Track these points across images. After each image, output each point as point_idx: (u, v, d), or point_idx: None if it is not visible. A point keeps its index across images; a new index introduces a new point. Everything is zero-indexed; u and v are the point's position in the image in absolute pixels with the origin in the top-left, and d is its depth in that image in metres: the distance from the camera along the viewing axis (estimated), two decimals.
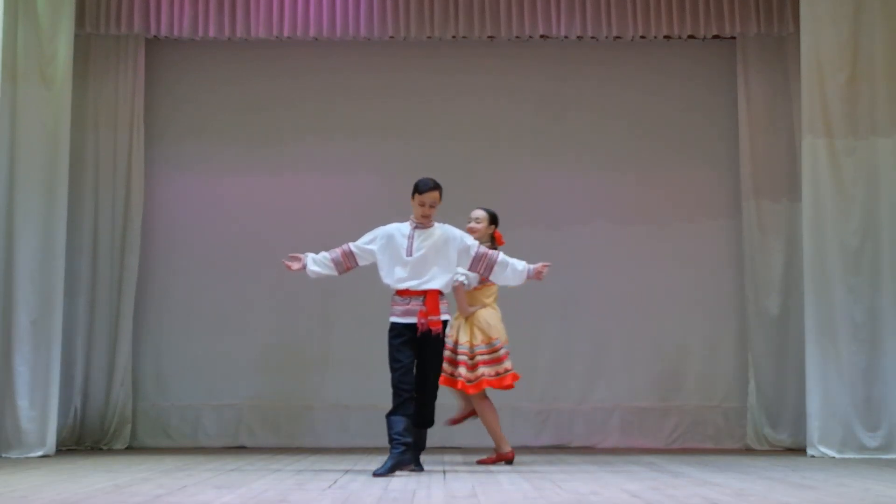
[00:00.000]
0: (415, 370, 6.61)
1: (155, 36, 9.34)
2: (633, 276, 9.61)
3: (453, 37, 9.35)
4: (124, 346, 9.21)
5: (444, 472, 6.76)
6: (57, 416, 8.32)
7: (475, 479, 6.21)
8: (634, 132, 9.72)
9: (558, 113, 9.73)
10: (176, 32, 9.21)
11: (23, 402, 8.16)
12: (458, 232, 6.79)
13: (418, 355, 6.60)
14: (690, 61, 9.81)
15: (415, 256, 6.63)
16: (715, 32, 9.33)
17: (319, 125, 9.69)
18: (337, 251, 6.80)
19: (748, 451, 9.13)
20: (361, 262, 6.83)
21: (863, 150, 8.44)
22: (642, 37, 9.32)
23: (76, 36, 8.75)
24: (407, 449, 6.49)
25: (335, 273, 6.85)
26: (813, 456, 8.22)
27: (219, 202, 9.68)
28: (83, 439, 9.12)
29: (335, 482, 5.96)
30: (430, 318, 6.52)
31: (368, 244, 6.77)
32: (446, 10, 9.24)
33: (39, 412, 8.18)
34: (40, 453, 8.07)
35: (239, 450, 9.05)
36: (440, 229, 6.74)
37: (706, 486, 5.81)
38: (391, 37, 9.29)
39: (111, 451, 8.91)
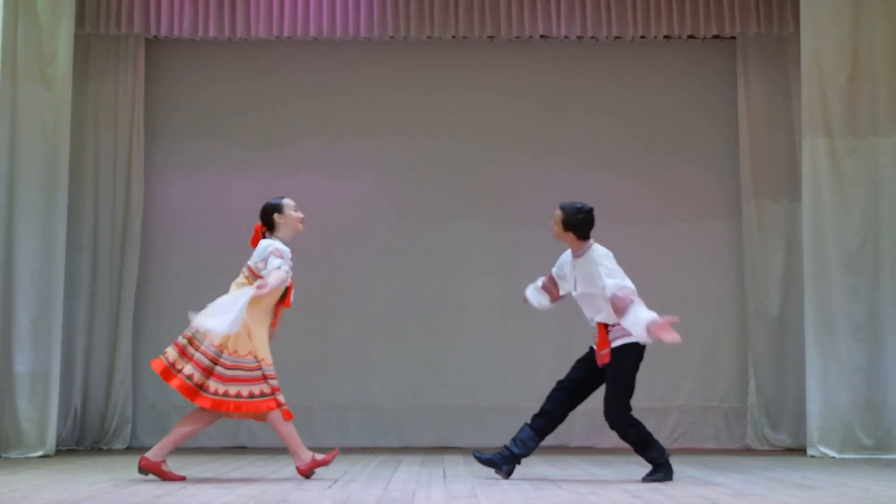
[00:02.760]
0: (574, 389, 6.26)
1: (155, 36, 9.33)
2: (633, 276, 9.48)
3: (453, 37, 9.35)
4: (124, 345, 9.21)
5: (445, 472, 6.75)
6: (57, 416, 8.33)
7: (475, 479, 6.21)
8: (634, 132, 9.71)
9: (558, 113, 9.73)
10: (176, 32, 9.20)
11: (23, 402, 8.17)
12: (594, 264, 6.26)
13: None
14: (690, 61, 9.80)
15: (578, 291, 6.32)
16: (715, 32, 9.32)
17: (319, 125, 9.68)
18: (540, 279, 6.63)
19: (748, 451, 9.13)
20: (563, 291, 6.54)
21: (863, 150, 8.44)
22: (642, 37, 9.32)
23: (76, 36, 8.75)
24: (511, 458, 6.19)
25: (547, 301, 6.62)
26: (813, 456, 8.22)
27: (219, 202, 9.66)
28: (83, 439, 9.12)
29: (335, 482, 5.96)
30: (600, 353, 6.19)
31: (557, 268, 6.53)
32: (446, 10, 9.23)
33: (39, 412, 8.18)
34: (40, 453, 8.08)
35: (239, 450, 9.05)
36: (594, 256, 6.31)
37: (706, 486, 5.82)
38: (391, 37, 9.29)
39: (111, 451, 8.91)
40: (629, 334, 6.10)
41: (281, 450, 8.74)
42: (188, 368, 5.99)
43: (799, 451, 8.80)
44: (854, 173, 8.45)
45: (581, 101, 9.76)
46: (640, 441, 6.14)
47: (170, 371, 6.03)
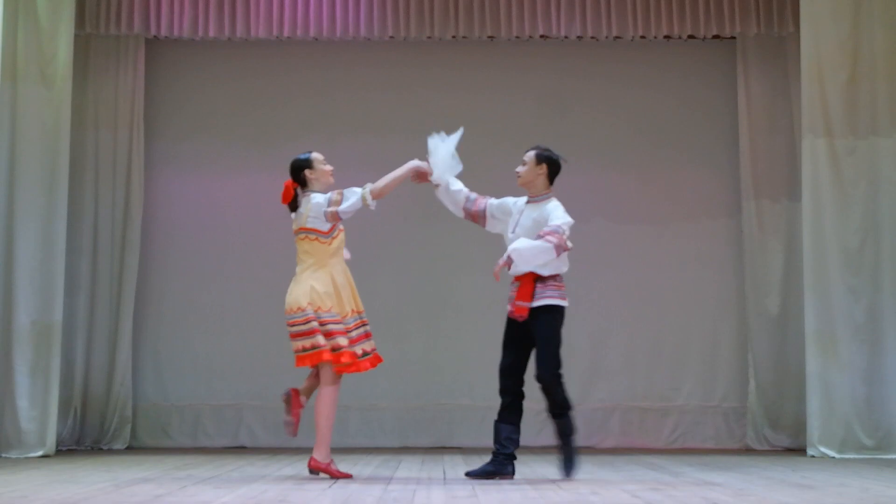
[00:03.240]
0: (518, 368, 6.19)
1: (155, 36, 9.33)
2: (633, 276, 9.60)
3: (453, 37, 9.35)
4: (124, 346, 9.21)
5: (445, 472, 6.76)
6: (57, 416, 8.33)
7: (475, 479, 6.20)
8: (634, 132, 9.71)
9: (558, 113, 9.72)
10: (176, 32, 9.20)
11: (23, 402, 8.17)
12: (552, 206, 6.24)
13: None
14: (690, 61, 9.80)
15: (515, 234, 6.23)
16: (715, 32, 9.32)
17: (319, 125, 9.67)
18: (475, 195, 6.55)
19: (748, 451, 9.12)
20: (489, 227, 6.47)
21: (863, 150, 8.44)
22: (642, 37, 9.32)
23: (76, 36, 8.74)
24: (505, 459, 6.16)
25: (460, 209, 6.55)
26: (813, 456, 8.22)
27: (219, 202, 9.67)
28: (83, 439, 9.11)
29: (335, 482, 5.96)
30: (517, 303, 6.08)
31: (498, 204, 6.45)
32: (446, 10, 9.23)
33: (39, 412, 8.18)
34: (40, 453, 8.08)
35: (239, 450, 9.05)
36: (551, 203, 6.29)
37: (706, 486, 5.82)
38: (391, 37, 9.29)
39: (111, 451, 8.91)
40: (557, 296, 6.10)
41: (281, 450, 8.76)
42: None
43: (799, 451, 8.80)
44: (854, 173, 8.45)
45: (581, 101, 9.76)
46: (564, 405, 6.11)
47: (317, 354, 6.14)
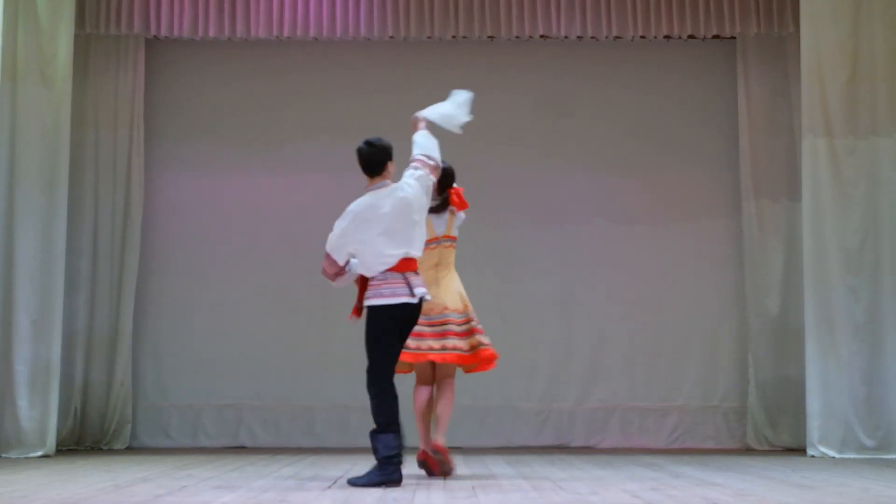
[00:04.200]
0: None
1: (155, 36, 9.33)
2: (633, 276, 9.60)
3: (453, 37, 9.35)
4: (124, 345, 9.21)
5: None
6: (57, 416, 8.33)
7: (475, 479, 6.21)
8: (634, 132, 9.71)
9: (558, 113, 9.72)
10: (176, 32, 9.21)
11: (23, 402, 8.17)
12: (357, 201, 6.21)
13: None
14: (690, 61, 9.80)
15: None
16: (715, 32, 9.32)
17: (319, 125, 9.68)
18: None
19: (748, 451, 9.13)
20: None
21: (863, 150, 8.44)
22: (642, 37, 9.32)
23: (76, 36, 8.75)
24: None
25: None
26: (813, 456, 8.22)
27: (219, 202, 9.67)
28: (83, 439, 9.11)
29: (335, 482, 5.97)
30: (356, 305, 5.99)
31: None
32: (446, 10, 9.23)
33: (39, 412, 8.18)
34: (40, 453, 8.08)
35: (239, 450, 9.05)
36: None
37: (706, 486, 5.82)
38: (391, 37, 9.29)
39: (111, 451, 8.91)
40: (372, 296, 5.83)
41: (281, 450, 8.77)
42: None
43: (799, 451, 8.80)
44: (854, 173, 8.45)
45: (581, 101, 9.75)
46: (377, 419, 5.74)
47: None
